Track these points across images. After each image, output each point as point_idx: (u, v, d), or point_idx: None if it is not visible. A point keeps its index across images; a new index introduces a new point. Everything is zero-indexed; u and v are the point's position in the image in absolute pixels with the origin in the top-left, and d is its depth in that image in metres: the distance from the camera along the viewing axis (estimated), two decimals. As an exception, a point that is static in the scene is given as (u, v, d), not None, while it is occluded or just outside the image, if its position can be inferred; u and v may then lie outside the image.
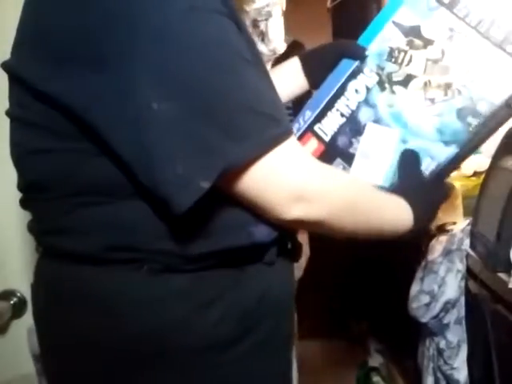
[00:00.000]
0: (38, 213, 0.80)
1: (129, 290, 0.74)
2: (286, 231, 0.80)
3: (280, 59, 1.64)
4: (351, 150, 0.95)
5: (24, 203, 0.82)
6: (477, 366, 1.36)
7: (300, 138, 0.98)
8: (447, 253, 1.43)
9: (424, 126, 0.91)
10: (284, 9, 1.49)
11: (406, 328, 1.62)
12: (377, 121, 0.94)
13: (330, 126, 0.97)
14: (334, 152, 0.96)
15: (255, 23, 1.38)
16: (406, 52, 0.94)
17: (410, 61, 0.93)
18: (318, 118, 0.98)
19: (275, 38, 1.60)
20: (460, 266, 1.40)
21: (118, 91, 0.65)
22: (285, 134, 0.72)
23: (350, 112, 0.96)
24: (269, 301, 0.80)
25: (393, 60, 0.94)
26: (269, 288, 0.80)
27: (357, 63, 0.97)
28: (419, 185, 0.90)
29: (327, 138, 0.97)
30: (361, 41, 0.99)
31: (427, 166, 0.91)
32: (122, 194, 0.72)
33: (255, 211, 0.74)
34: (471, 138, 0.88)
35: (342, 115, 0.96)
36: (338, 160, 0.95)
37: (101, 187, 0.72)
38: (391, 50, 0.95)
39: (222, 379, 0.77)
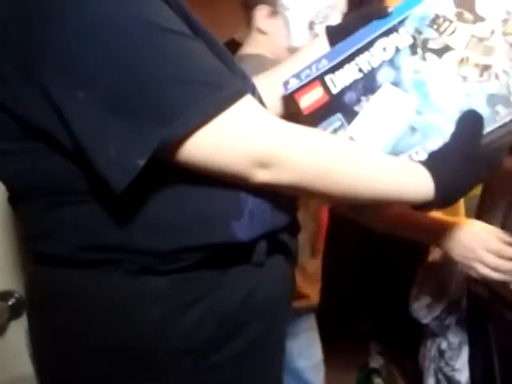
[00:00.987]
0: (21, 217, 0.80)
1: (106, 291, 0.73)
2: (279, 229, 0.78)
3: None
4: (356, 108, 0.88)
5: (12, 206, 0.81)
6: (478, 367, 1.36)
7: (306, 85, 0.92)
8: (449, 253, 1.42)
9: (446, 102, 0.84)
10: (344, 11, 1.39)
11: (407, 329, 1.62)
12: (396, 83, 0.87)
13: (343, 78, 0.90)
14: (337, 106, 0.89)
15: (311, 26, 1.31)
16: (451, 22, 0.87)
17: (453, 32, 0.87)
18: (333, 69, 0.91)
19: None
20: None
21: (41, 84, 0.65)
22: (230, 98, 0.68)
23: (369, 69, 0.89)
24: (256, 303, 0.78)
25: (435, 27, 0.88)
26: (256, 290, 0.78)
27: (394, 22, 0.90)
28: (466, 151, 0.79)
29: (335, 91, 0.90)
30: (404, 4, 0.92)
31: (438, 146, 0.83)
32: (84, 190, 0.71)
33: (229, 180, 0.71)
34: (496, 128, 0.81)
35: (360, 70, 0.90)
36: (338, 115, 0.89)
37: (64, 186, 0.71)
38: (436, 17, 0.88)
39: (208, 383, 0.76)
